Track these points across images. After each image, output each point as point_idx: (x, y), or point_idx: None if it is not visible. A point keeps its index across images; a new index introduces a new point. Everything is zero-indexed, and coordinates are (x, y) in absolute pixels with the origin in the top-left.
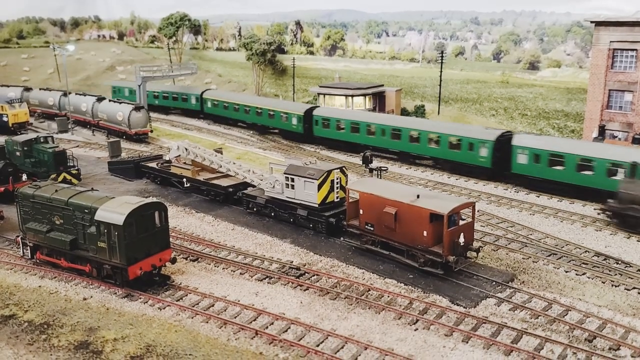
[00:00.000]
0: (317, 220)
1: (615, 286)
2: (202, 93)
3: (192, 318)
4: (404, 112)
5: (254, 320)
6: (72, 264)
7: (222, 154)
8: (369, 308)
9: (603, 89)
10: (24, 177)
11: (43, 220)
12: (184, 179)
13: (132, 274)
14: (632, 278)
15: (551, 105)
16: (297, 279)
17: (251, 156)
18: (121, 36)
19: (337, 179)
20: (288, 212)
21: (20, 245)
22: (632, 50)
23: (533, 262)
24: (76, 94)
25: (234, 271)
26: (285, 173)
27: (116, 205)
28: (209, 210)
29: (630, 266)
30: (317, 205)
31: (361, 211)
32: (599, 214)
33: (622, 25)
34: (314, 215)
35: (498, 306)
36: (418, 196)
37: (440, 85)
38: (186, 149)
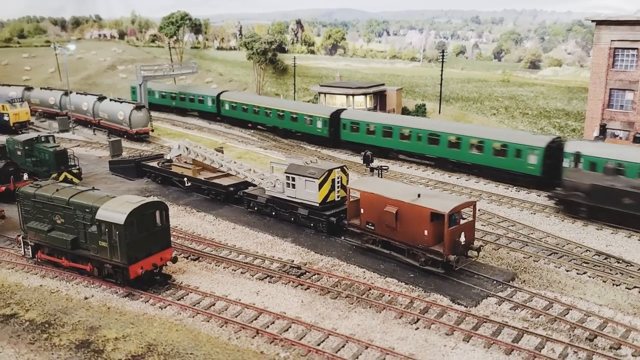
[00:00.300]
0: (318, 220)
1: (616, 285)
2: (219, 95)
3: (193, 317)
4: (405, 111)
5: (255, 319)
6: (73, 263)
7: (223, 153)
8: (370, 307)
9: (604, 88)
10: (25, 176)
11: (44, 219)
12: (185, 178)
13: (133, 273)
14: (633, 277)
15: (552, 104)
16: (298, 278)
17: (252, 155)
18: (122, 35)
19: (338, 178)
20: (289, 212)
21: (22, 244)
22: (633, 49)
23: (534, 261)
24: (77, 93)
25: (234, 270)
26: (286, 172)
27: (117, 205)
28: (210, 209)
29: (631, 265)
30: (318, 205)
31: (362, 210)
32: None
33: (623, 25)
34: (315, 215)
35: (499, 305)
36: (419, 195)
37: (441, 84)
38: (187, 148)
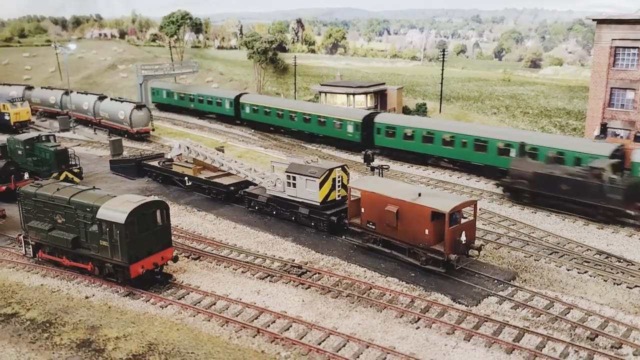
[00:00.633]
0: (318, 219)
1: (617, 284)
2: (239, 97)
3: (194, 316)
4: (406, 111)
5: (256, 318)
6: (74, 262)
7: (223, 152)
8: (371, 306)
9: (605, 87)
10: (26, 175)
11: (45, 218)
12: (186, 178)
13: (134, 273)
14: (634, 276)
15: (553, 103)
16: (299, 278)
17: (253, 155)
18: (122, 35)
19: (339, 177)
20: (290, 211)
21: (23, 243)
22: (634, 48)
23: (535, 260)
24: (78, 92)
25: (235, 270)
26: (286, 171)
27: (118, 204)
28: (211, 208)
29: (632, 264)
30: (318, 204)
31: (363, 209)
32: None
33: (623, 23)
34: (316, 214)
35: (500, 304)
36: (419, 194)
37: (441, 83)
38: (188, 148)
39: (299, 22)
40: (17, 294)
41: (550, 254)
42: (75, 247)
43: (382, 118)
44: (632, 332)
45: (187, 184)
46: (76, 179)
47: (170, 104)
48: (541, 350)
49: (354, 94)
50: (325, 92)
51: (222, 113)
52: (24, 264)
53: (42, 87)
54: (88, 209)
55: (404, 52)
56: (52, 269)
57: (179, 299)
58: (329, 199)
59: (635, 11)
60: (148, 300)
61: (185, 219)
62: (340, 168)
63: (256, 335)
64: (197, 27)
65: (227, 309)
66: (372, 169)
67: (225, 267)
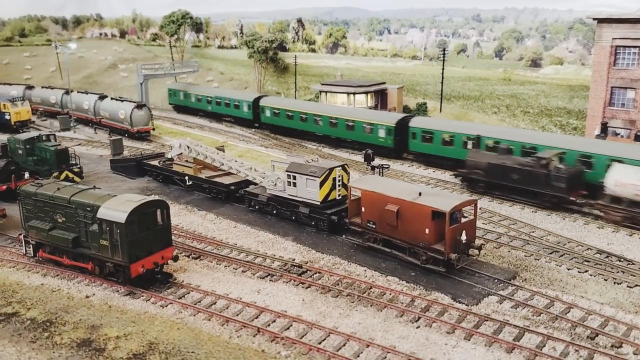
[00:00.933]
0: (319, 218)
1: (618, 284)
2: (258, 99)
3: (194, 316)
4: (406, 110)
5: (256, 317)
6: (75, 261)
7: (224, 151)
8: (371, 306)
9: (605, 86)
10: (26, 175)
11: (45, 218)
12: (186, 177)
13: (134, 272)
14: (634, 275)
15: (553, 102)
16: (299, 277)
17: (253, 154)
18: (123, 34)
19: (339, 176)
20: (290, 210)
21: (23, 243)
22: (635, 47)
23: (535, 259)
24: (78, 92)
25: (236, 269)
26: (287, 171)
27: (118, 203)
28: (211, 208)
29: (633, 264)
30: (319, 203)
31: (363, 209)
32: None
33: (624, 23)
34: (316, 213)
35: (500, 304)
36: (420, 194)
37: (442, 82)
38: (188, 147)
39: (300, 21)
40: (18, 293)
41: (551, 253)
42: (75, 247)
43: (418, 122)
44: (633, 332)
45: (187, 183)
46: (76, 179)
47: (187, 105)
48: (541, 350)
49: (354, 94)
50: (326, 92)
51: (240, 116)
52: (25, 263)
53: (42, 87)
54: (88, 209)
55: (404, 51)
56: (53, 269)
57: (179, 299)
58: (329, 198)
59: (635, 10)
60: (148, 300)
61: (186, 218)
62: (340, 167)
63: (256, 334)
64: (198, 27)
65: (227, 308)
66: (373, 168)
67: (225, 266)
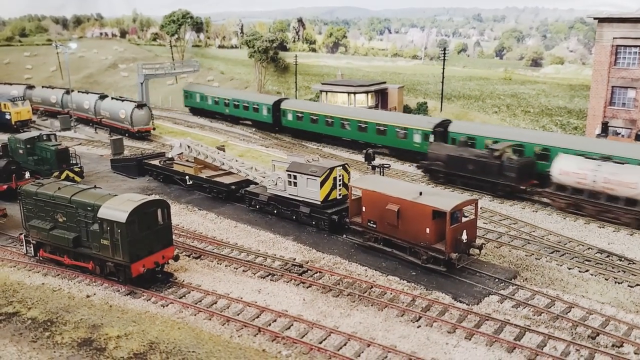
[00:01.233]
0: (319, 218)
1: (619, 283)
2: (279, 102)
3: (195, 315)
4: (407, 110)
5: (257, 317)
6: (75, 261)
7: (224, 151)
8: (372, 305)
9: (606, 85)
10: (27, 174)
11: (46, 217)
12: (187, 177)
13: (135, 272)
14: (635, 275)
15: (554, 102)
16: (300, 276)
17: (254, 154)
18: (123, 34)
19: (340, 176)
20: (291, 210)
21: (24, 242)
22: (636, 47)
23: (536, 259)
24: (79, 91)
25: (236, 268)
26: (287, 170)
27: (119, 203)
28: (212, 207)
29: (634, 263)
30: (319, 203)
31: (364, 208)
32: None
33: (625, 22)
34: (317, 213)
35: (501, 303)
36: (420, 193)
37: (442, 82)
38: (189, 147)
39: (300, 21)
40: (19, 293)
41: (551, 252)
42: (76, 246)
43: (458, 127)
44: (633, 331)
45: (188, 183)
46: (77, 178)
47: (204, 108)
48: (542, 349)
49: (354, 93)
50: (326, 91)
51: (259, 120)
52: (25, 263)
53: (43, 86)
54: (89, 208)
55: (404, 51)
56: (53, 268)
57: (180, 298)
58: (330, 198)
59: (636, 10)
60: (149, 299)
61: (186, 218)
62: (341, 167)
63: (257, 334)
64: (198, 26)
65: (228, 307)
66: (373, 167)
67: (226, 266)
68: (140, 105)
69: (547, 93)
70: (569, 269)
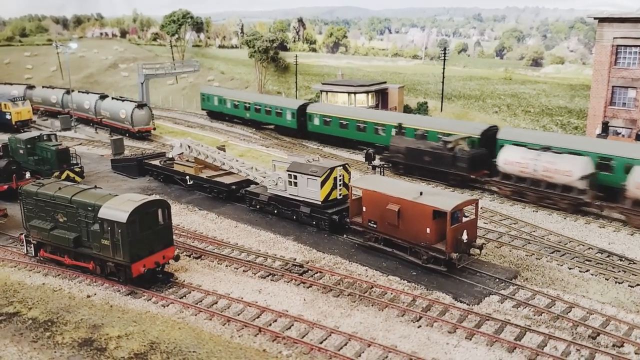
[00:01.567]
0: (320, 218)
1: (619, 283)
2: (304, 106)
3: (196, 315)
4: (407, 110)
5: (258, 317)
6: (76, 261)
7: (225, 151)
8: (372, 305)
9: (606, 85)
10: (27, 175)
11: (46, 218)
12: (187, 177)
13: (136, 272)
14: (635, 275)
15: (554, 101)
16: (300, 276)
17: (254, 153)
18: (124, 34)
19: (340, 176)
20: (291, 210)
21: (24, 242)
22: (636, 46)
23: (536, 259)
24: (79, 91)
25: (237, 268)
26: (288, 170)
27: (119, 203)
28: (212, 207)
29: (634, 263)
30: (320, 203)
31: (364, 208)
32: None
33: (625, 22)
34: (317, 213)
35: (501, 303)
36: (421, 193)
37: (443, 82)
38: (189, 147)
39: (300, 20)
40: (19, 293)
41: (552, 252)
42: (76, 246)
43: (507, 134)
44: (634, 331)
45: (188, 183)
46: (77, 178)
47: (223, 112)
48: (543, 349)
49: (355, 93)
50: (327, 91)
51: (282, 125)
52: (26, 263)
53: (43, 86)
54: (89, 208)
55: (405, 50)
56: (54, 268)
57: (180, 298)
58: (330, 198)
59: (636, 10)
60: (150, 299)
61: (187, 218)
62: (341, 167)
63: (258, 334)
64: (198, 26)
65: (228, 308)
66: (374, 167)
67: (226, 266)
68: (140, 105)
69: (548, 93)
70: (570, 269)
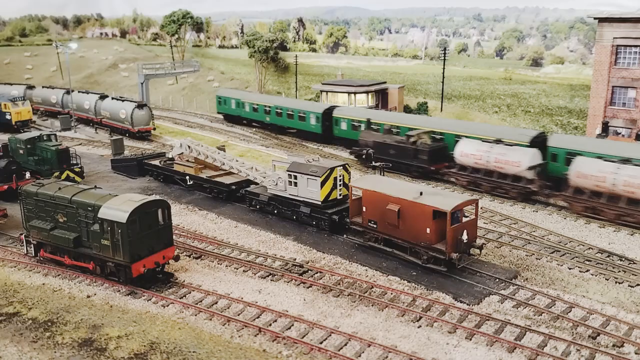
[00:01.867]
0: (320, 218)
1: (619, 283)
2: (330, 110)
3: (196, 315)
4: (407, 110)
5: (258, 317)
6: (76, 261)
7: (224, 151)
8: (372, 305)
9: (606, 85)
10: (27, 175)
11: (46, 218)
12: (187, 177)
13: (136, 272)
14: (635, 275)
15: (554, 102)
16: (300, 277)
17: (254, 153)
18: (124, 34)
19: (340, 176)
20: (291, 210)
21: (24, 243)
22: (636, 46)
23: (536, 259)
24: (79, 91)
25: (237, 269)
26: (288, 170)
27: (119, 203)
28: (212, 207)
29: (634, 263)
30: (320, 203)
31: (364, 208)
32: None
33: (625, 22)
34: (317, 213)
35: (501, 303)
36: (421, 193)
37: (443, 82)
38: (189, 147)
39: (300, 20)
40: (19, 293)
41: (552, 252)
42: (76, 246)
43: (559, 141)
44: (634, 331)
45: (188, 183)
46: (77, 178)
47: (241, 115)
48: (543, 349)
49: (355, 93)
50: (327, 91)
51: (306, 129)
52: (26, 263)
53: (43, 87)
54: (89, 208)
55: (405, 50)
56: (54, 268)
57: (180, 298)
58: (330, 198)
59: (636, 10)
60: (150, 299)
61: (187, 218)
62: (341, 167)
63: (258, 334)
64: (198, 26)
65: (228, 308)
66: (374, 167)
67: (226, 266)
68: (140, 105)
69: (548, 93)
70: (570, 269)
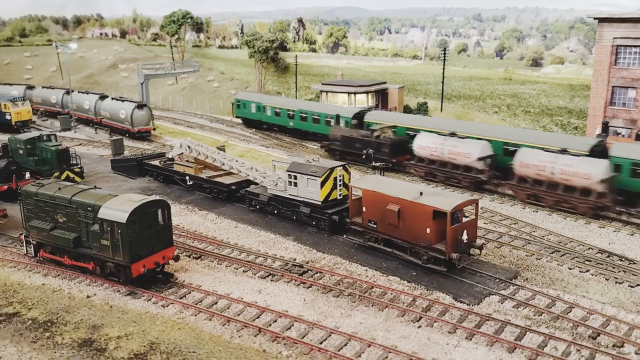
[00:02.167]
0: (320, 218)
1: (619, 283)
2: (361, 114)
3: (196, 315)
4: (407, 110)
5: (257, 317)
6: (76, 261)
7: (224, 151)
8: (372, 305)
9: (606, 85)
10: (27, 175)
11: (46, 218)
12: (187, 177)
13: (136, 272)
14: (636, 275)
15: (554, 102)
16: (300, 277)
17: (254, 154)
18: (124, 34)
19: (340, 176)
20: (291, 210)
21: (24, 243)
22: (636, 46)
23: (536, 259)
24: (79, 92)
25: (237, 269)
26: (288, 170)
27: (119, 203)
28: (212, 207)
29: (634, 263)
30: (320, 203)
31: (364, 208)
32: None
33: (625, 22)
34: (317, 213)
35: (501, 303)
36: (421, 193)
37: (443, 82)
38: (189, 147)
39: (300, 21)
40: (19, 293)
41: (552, 252)
42: (76, 247)
43: (622, 151)
44: (634, 331)
45: (188, 183)
46: (77, 179)
47: (261, 120)
48: (543, 349)
49: (355, 93)
50: (327, 92)
51: None
52: (26, 263)
53: (43, 87)
54: (89, 208)
55: (405, 51)
56: (54, 269)
57: (180, 298)
58: (330, 198)
59: (636, 10)
60: (149, 300)
61: (187, 218)
62: (341, 167)
63: (258, 334)
64: (198, 27)
65: (228, 308)
66: (374, 168)
67: (226, 266)
68: (140, 106)
69: (548, 93)
70: (570, 269)
